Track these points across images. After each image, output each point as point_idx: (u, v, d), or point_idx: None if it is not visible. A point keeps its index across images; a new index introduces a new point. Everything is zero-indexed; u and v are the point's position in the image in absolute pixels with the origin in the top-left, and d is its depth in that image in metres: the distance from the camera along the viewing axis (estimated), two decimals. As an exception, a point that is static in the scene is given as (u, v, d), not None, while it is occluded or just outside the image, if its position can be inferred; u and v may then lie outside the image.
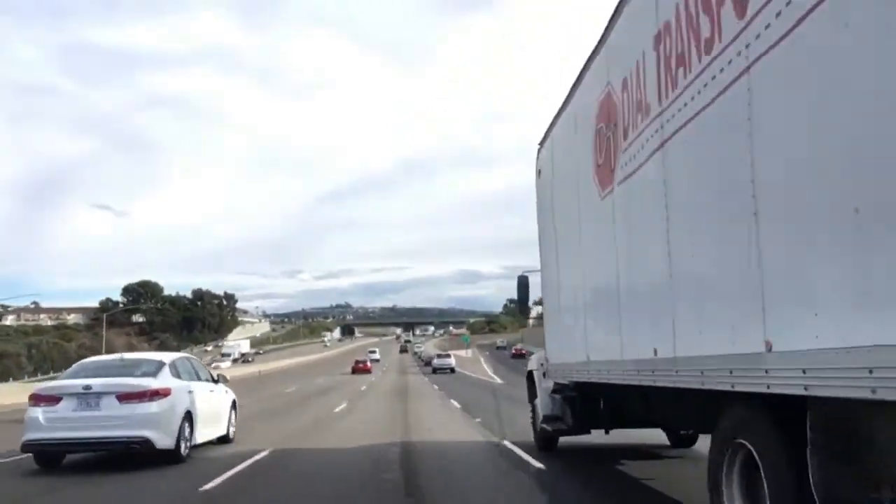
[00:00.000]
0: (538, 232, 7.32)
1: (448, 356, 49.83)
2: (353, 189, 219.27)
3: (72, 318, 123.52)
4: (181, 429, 7.59)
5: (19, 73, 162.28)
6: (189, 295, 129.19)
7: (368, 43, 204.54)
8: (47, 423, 7.30)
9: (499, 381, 32.48)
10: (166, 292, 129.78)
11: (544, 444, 7.64)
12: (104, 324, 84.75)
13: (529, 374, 8.24)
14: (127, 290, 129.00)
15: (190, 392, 8.00)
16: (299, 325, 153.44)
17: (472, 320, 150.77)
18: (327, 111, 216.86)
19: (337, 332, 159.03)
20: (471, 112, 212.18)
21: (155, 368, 7.82)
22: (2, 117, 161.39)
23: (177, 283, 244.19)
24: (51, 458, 7.52)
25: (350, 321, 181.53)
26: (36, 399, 7.53)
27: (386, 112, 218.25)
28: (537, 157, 7.26)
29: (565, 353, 6.31)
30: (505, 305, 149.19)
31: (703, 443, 6.36)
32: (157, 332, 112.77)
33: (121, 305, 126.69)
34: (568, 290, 6.22)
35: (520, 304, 8.84)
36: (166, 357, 8.28)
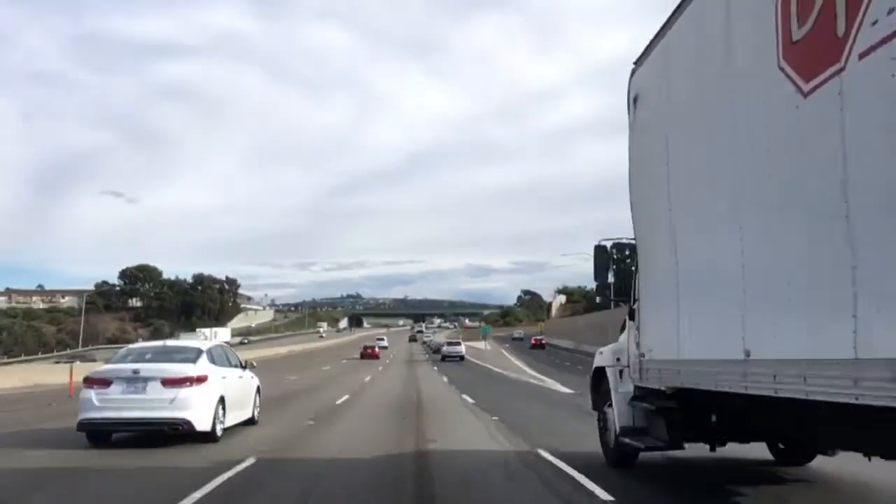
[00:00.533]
0: (631, 186, 5.81)
1: (458, 344, 50.06)
2: (366, 182, 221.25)
3: (66, 302, 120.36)
4: (216, 412, 8.61)
5: (35, 63, 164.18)
6: (190, 280, 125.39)
7: (379, 35, 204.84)
8: (100, 404, 8.30)
9: (546, 379, 26.87)
10: (168, 276, 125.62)
11: (619, 460, 6.24)
12: (83, 310, 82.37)
13: (598, 373, 6.72)
14: (124, 274, 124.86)
15: (223, 378, 9.04)
16: (305, 314, 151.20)
17: (486, 312, 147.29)
18: (340, 102, 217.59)
19: (344, 322, 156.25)
20: (485, 105, 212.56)
21: (194, 356, 8.84)
22: (16, 107, 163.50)
23: (187, 271, 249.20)
24: (102, 435, 8.52)
25: (359, 311, 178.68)
26: (89, 382, 8.56)
27: (399, 104, 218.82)
28: (630, 82, 5.63)
29: (672, 349, 4.81)
30: (519, 298, 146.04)
31: (821, 461, 5.73)
32: (155, 317, 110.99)
33: (117, 289, 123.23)
34: (693, 262, 4.55)
35: (598, 280, 6.81)
36: (203, 345, 9.28)
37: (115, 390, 8.37)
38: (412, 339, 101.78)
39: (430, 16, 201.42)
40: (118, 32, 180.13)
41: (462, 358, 44.79)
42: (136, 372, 8.39)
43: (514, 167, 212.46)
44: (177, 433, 8.27)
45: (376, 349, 51.88)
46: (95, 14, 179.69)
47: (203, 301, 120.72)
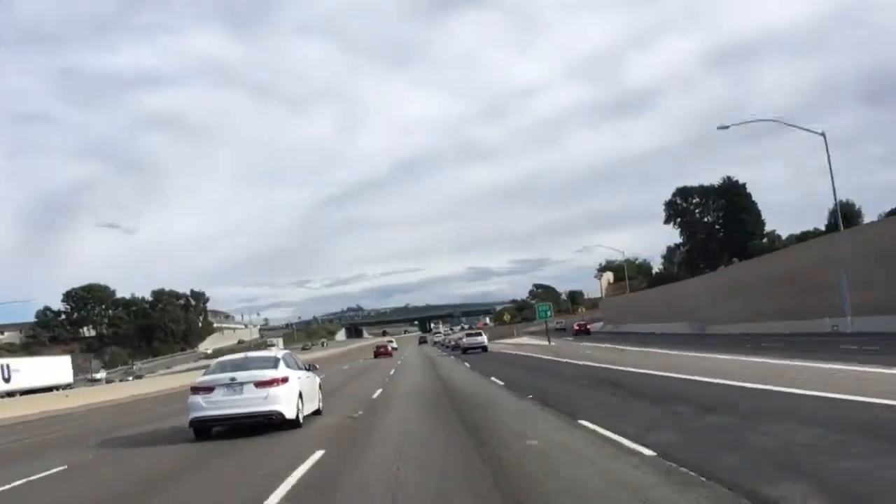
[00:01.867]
0: None
1: (479, 334, 49.16)
2: (358, 193, 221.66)
3: (4, 338, 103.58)
4: (298, 404, 11.24)
5: (16, 102, 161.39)
6: (149, 298, 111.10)
7: (359, 45, 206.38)
8: (206, 405, 10.81)
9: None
10: (123, 296, 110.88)
11: None
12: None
13: None
14: (69, 297, 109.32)
15: (298, 378, 11.62)
16: (294, 331, 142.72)
17: (499, 308, 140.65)
18: (326, 116, 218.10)
19: (342, 334, 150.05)
20: (471, 106, 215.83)
21: (273, 363, 11.43)
22: (3, 146, 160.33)
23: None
24: (206, 430, 11.03)
25: (356, 321, 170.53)
26: (195, 390, 11.03)
27: (385, 111, 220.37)
28: None
29: None
30: (531, 292, 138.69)
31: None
32: (111, 344, 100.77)
33: (62, 317, 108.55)
34: None
35: None
36: (278, 353, 11.91)
37: (217, 394, 10.89)
38: (422, 341, 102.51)
39: (407, 20, 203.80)
40: (99, 66, 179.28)
41: (485, 348, 43.08)
42: (233, 379, 10.88)
43: (505, 165, 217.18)
44: (271, 422, 10.78)
45: (389, 348, 60.67)
46: (74, 49, 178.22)
47: (164, 322, 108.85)
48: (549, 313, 47.94)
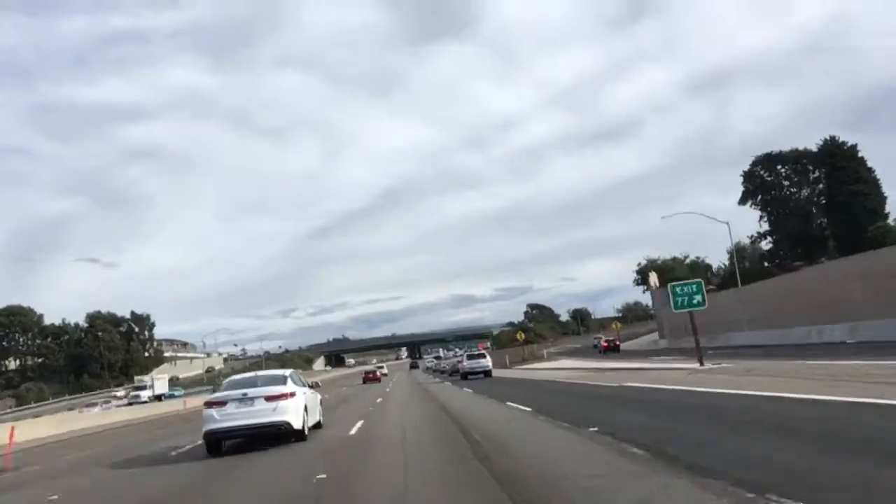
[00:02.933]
0: None
1: (482, 356, 42.31)
2: (341, 223, 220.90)
3: None
4: (303, 417, 12.51)
5: None
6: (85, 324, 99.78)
7: (339, 77, 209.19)
8: (220, 418, 11.95)
9: None
10: (53, 321, 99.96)
11: None
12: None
13: None
14: None
15: (304, 393, 12.89)
16: (263, 360, 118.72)
17: (495, 332, 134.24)
18: (307, 147, 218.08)
19: (320, 363, 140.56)
20: (453, 136, 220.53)
21: (282, 380, 12.69)
22: None
23: (169, 331, 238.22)
24: (217, 444, 12.07)
25: (337, 348, 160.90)
26: (209, 404, 12.14)
27: (367, 142, 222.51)
28: None
29: None
30: (525, 313, 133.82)
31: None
32: (37, 378, 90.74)
33: None
34: None
35: None
36: (286, 372, 13.37)
37: (230, 407, 12.05)
38: (413, 367, 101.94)
39: (388, 52, 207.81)
40: (76, 100, 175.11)
41: (488, 373, 37.86)
42: (245, 394, 12.01)
43: (489, 193, 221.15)
44: (279, 433, 11.96)
45: (377, 373, 62.43)
46: (50, 84, 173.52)
47: (99, 351, 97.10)
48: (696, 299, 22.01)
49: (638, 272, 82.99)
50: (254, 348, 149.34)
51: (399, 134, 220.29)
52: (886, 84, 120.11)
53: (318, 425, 14.23)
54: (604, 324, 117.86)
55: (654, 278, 63.14)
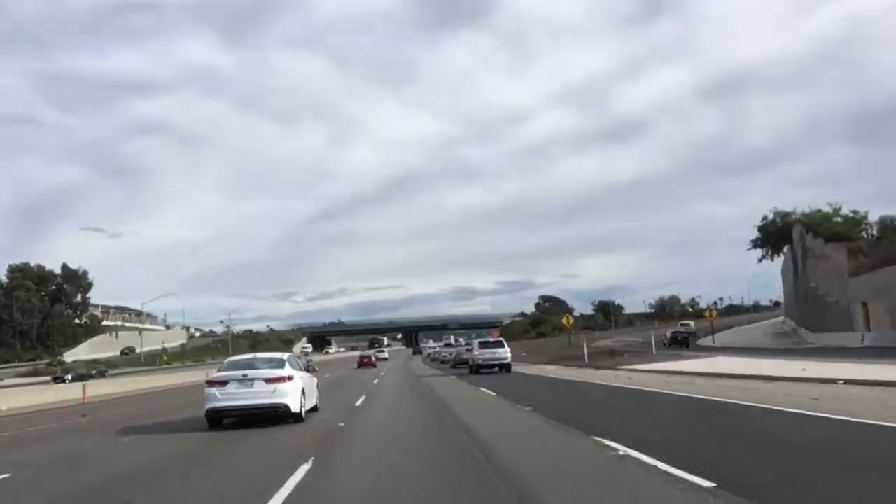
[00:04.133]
0: None
1: (500, 344, 33.88)
2: (345, 208, 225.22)
3: None
4: (301, 399, 13.23)
5: (4, 104, 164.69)
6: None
7: (351, 62, 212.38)
8: (221, 397, 12.79)
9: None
10: None
11: None
12: None
13: None
14: None
15: (301, 377, 13.58)
16: (230, 339, 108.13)
17: (504, 322, 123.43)
18: (316, 130, 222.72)
19: (299, 346, 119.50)
20: (461, 127, 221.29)
21: (280, 363, 13.47)
22: None
23: (172, 307, 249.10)
24: (218, 420, 13.05)
25: (324, 329, 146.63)
26: (210, 383, 13.03)
27: (375, 128, 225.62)
28: None
29: None
30: (537, 305, 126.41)
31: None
32: None
33: None
34: None
35: None
36: (284, 355, 14.20)
37: (230, 387, 12.88)
38: (416, 353, 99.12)
39: (400, 39, 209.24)
40: (89, 71, 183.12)
41: (507, 367, 31.11)
42: (245, 375, 12.82)
43: (493, 186, 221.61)
44: (277, 414, 12.72)
45: (373, 358, 59.82)
46: (64, 54, 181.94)
47: (11, 314, 77.12)
48: None
49: (763, 229, 59.69)
50: (255, 327, 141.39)
51: (407, 122, 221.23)
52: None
53: (314, 409, 14.95)
54: (631, 319, 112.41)
55: (805, 236, 45.25)
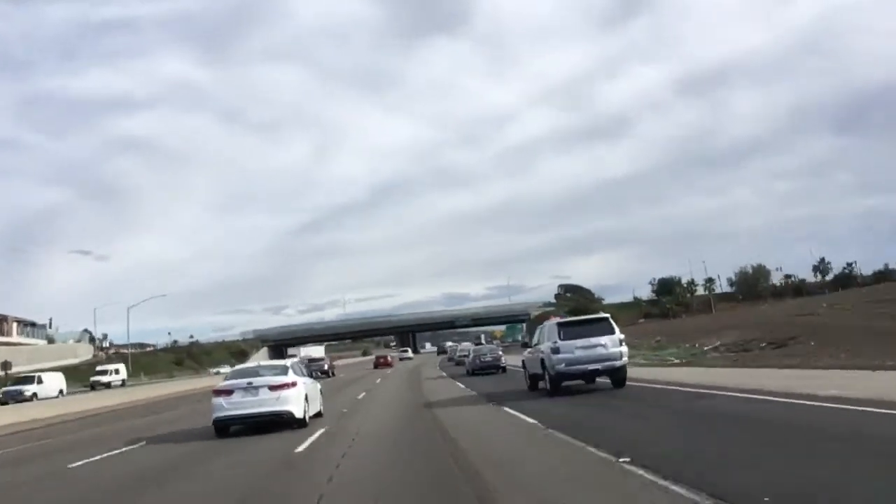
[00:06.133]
0: None
1: (605, 327, 18.94)
2: (332, 219, 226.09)
3: None
4: (304, 405, 13.92)
5: None
6: None
7: (331, 72, 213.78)
8: (227, 406, 13.43)
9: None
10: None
11: None
12: None
13: None
14: None
15: (304, 383, 14.30)
16: (156, 351, 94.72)
17: (532, 314, 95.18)
18: (299, 141, 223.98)
19: (256, 357, 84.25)
20: (445, 132, 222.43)
21: (284, 370, 14.13)
22: None
23: (161, 326, 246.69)
24: (225, 428, 13.68)
25: (284, 335, 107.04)
26: (217, 393, 13.65)
27: (358, 137, 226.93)
28: None
29: None
30: (557, 295, 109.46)
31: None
32: None
33: None
34: None
35: None
36: (287, 362, 14.88)
37: (236, 396, 13.53)
38: (441, 352, 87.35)
39: (379, 47, 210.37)
40: (67, 91, 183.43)
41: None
42: (250, 383, 13.48)
43: (481, 191, 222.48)
44: (281, 421, 13.41)
45: (388, 358, 61.70)
46: (41, 75, 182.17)
47: None
48: None
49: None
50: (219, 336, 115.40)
51: (392, 130, 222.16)
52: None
53: (318, 414, 15.60)
54: (708, 301, 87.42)
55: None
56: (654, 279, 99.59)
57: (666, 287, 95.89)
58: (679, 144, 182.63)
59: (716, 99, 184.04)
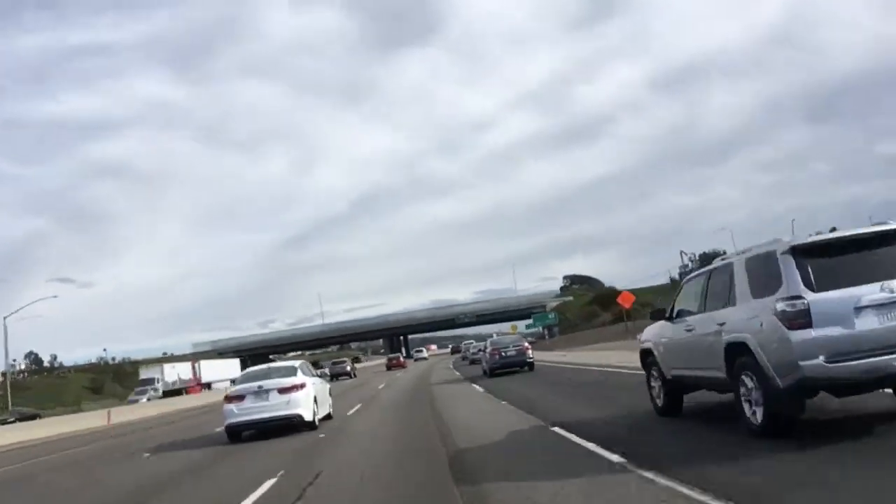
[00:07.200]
0: None
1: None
2: (316, 231, 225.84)
3: None
4: (314, 407, 14.13)
5: None
6: None
7: (307, 86, 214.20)
8: (238, 412, 13.59)
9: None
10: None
11: None
12: None
13: None
14: None
15: (313, 384, 14.46)
16: (71, 374, 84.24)
17: (550, 304, 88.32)
18: (279, 156, 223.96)
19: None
20: (425, 141, 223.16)
21: (292, 372, 14.31)
22: None
23: (149, 347, 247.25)
24: (237, 434, 13.86)
25: (250, 344, 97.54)
26: (229, 399, 13.87)
27: (339, 150, 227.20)
28: None
29: None
30: (563, 288, 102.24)
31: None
32: None
33: None
34: None
35: None
36: (296, 363, 15.13)
37: (247, 401, 13.62)
38: (455, 351, 77.91)
39: (354, 59, 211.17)
40: (40, 116, 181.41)
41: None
42: (260, 387, 13.68)
43: (464, 197, 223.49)
44: (291, 424, 13.60)
45: (401, 358, 61.54)
46: (12, 101, 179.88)
47: None
48: None
49: None
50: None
51: (371, 140, 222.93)
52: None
53: (328, 417, 15.79)
54: None
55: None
56: (692, 255, 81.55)
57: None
58: (659, 142, 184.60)
59: (693, 95, 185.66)
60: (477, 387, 21.29)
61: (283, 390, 13.90)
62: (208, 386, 65.04)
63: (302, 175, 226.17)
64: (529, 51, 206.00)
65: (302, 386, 14.10)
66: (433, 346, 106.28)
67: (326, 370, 47.29)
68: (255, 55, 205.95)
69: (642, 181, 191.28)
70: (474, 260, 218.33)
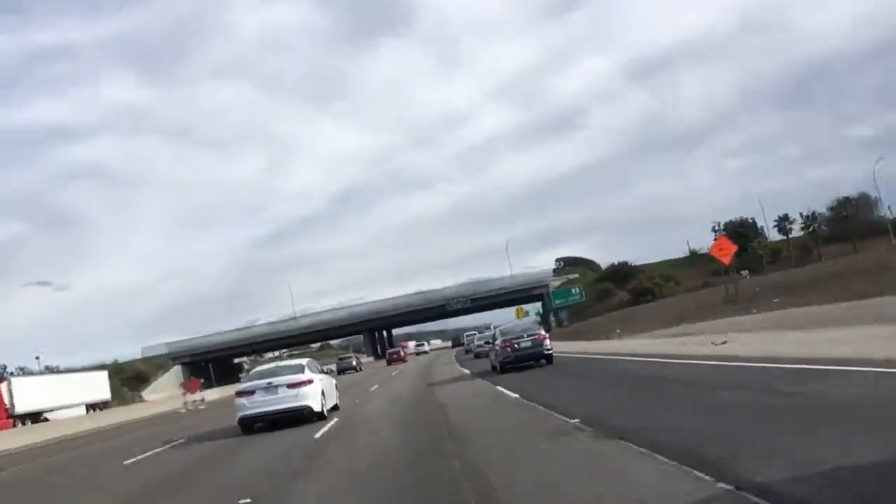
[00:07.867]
0: None
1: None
2: (296, 230, 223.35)
3: None
4: (322, 400, 15.11)
5: None
6: None
7: (278, 84, 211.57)
8: (250, 405, 14.59)
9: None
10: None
11: None
12: None
13: None
14: None
15: (320, 380, 15.42)
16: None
17: (554, 284, 78.66)
18: (252, 156, 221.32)
19: (169, 377, 72.32)
20: (401, 135, 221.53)
21: (300, 368, 15.31)
22: None
23: (129, 352, 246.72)
24: (251, 425, 14.86)
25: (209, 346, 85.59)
26: (240, 394, 14.84)
27: (313, 147, 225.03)
28: None
29: None
30: (555, 270, 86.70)
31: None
32: None
33: None
34: None
35: None
36: (303, 361, 16.06)
37: (258, 396, 14.62)
38: (456, 344, 73.74)
39: (323, 55, 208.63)
40: (9, 122, 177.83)
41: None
42: (270, 383, 14.67)
43: (443, 190, 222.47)
44: (302, 415, 14.58)
45: (402, 353, 59.98)
46: None
47: None
48: None
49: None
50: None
51: (345, 136, 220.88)
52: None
53: (335, 407, 16.79)
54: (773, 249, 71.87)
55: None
56: (717, 224, 71.80)
57: (738, 235, 61.00)
58: (634, 131, 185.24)
59: (665, 83, 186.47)
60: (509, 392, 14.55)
61: (292, 385, 14.84)
62: (33, 418, 39.98)
63: (278, 174, 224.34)
64: (500, 41, 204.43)
65: (310, 381, 15.05)
66: (411, 344, 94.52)
67: (333, 367, 48.92)
68: (224, 54, 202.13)
69: (620, 169, 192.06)
70: (455, 252, 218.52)
